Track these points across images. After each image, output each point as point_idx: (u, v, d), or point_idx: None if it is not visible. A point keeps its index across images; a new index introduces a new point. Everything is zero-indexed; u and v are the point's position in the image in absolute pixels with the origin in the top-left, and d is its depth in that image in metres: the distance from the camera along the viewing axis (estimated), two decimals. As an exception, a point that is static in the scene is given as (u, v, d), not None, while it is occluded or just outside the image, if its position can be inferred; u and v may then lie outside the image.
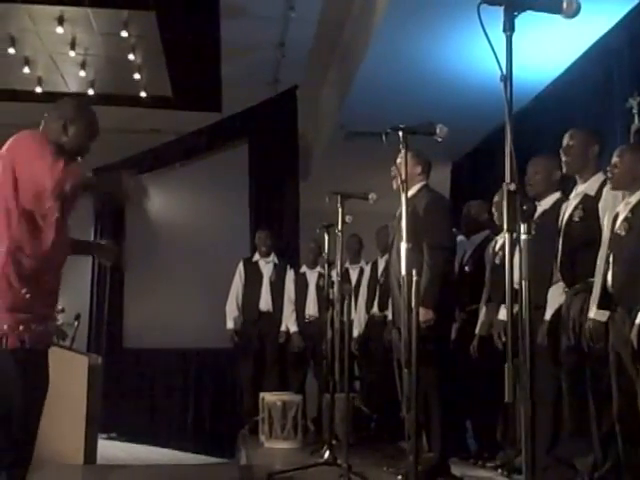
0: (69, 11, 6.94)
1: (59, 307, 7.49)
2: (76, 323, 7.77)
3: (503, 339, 4.16)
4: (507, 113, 2.11)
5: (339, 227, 4.49)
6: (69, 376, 5.00)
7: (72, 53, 7.62)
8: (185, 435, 8.31)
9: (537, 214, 4.09)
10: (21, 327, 2.54)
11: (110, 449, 6.19)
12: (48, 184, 2.52)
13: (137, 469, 5.45)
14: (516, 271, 2.12)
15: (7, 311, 2.54)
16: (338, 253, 4.59)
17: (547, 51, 5.71)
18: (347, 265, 6.81)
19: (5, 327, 2.52)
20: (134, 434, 7.60)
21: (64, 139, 2.80)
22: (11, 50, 7.46)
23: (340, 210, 4.43)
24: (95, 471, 5.22)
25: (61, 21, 7.02)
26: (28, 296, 2.58)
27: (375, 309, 6.40)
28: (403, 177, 3.29)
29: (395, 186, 4.32)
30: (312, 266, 7.16)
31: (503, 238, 4.64)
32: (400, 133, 3.27)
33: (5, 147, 2.71)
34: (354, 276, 6.94)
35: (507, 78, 2.14)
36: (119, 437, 7.45)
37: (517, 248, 2.15)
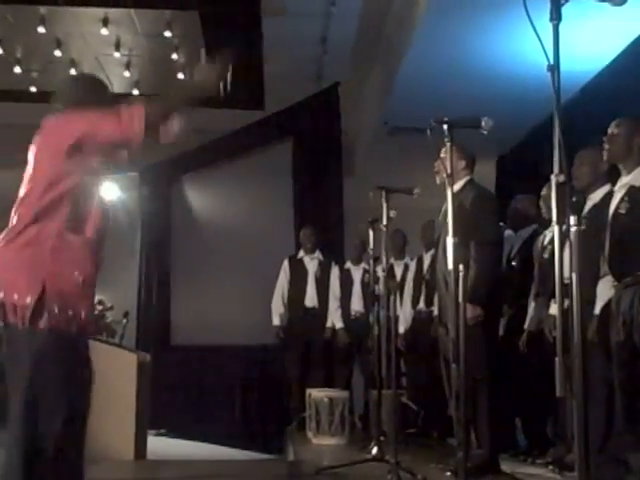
0: (113, 12, 7.03)
1: (108, 305, 7.60)
2: (125, 321, 7.88)
3: (554, 334, 4.10)
4: (555, 103, 2.08)
5: (384, 222, 4.46)
6: (119, 373, 5.06)
7: (117, 54, 7.73)
8: (233, 431, 8.36)
9: (587, 208, 4.03)
10: (70, 312, 2.50)
11: (159, 445, 6.24)
12: (116, 137, 2.50)
13: (186, 464, 5.50)
14: (566, 265, 2.08)
15: (57, 294, 2.49)
16: (383, 249, 4.57)
17: (595, 40, 5.61)
18: (392, 261, 6.78)
19: (55, 309, 2.47)
20: (183, 430, 7.67)
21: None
22: (57, 52, 7.59)
23: (385, 205, 4.40)
24: (145, 466, 5.28)
25: (105, 23, 7.12)
26: (81, 279, 2.55)
27: (422, 305, 6.36)
28: (448, 171, 3.25)
29: (438, 180, 4.29)
30: (357, 262, 7.15)
31: (552, 232, 4.58)
32: (445, 126, 3.24)
33: (44, 130, 2.62)
34: (399, 272, 6.91)
35: (554, 68, 2.10)
36: (168, 433, 7.52)
37: (567, 241, 2.11)
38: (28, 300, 2.45)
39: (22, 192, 2.63)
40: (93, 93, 2.76)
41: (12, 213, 2.63)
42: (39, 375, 2.45)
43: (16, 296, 2.46)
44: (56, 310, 2.48)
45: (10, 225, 2.60)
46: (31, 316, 2.45)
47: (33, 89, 8.40)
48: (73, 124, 2.58)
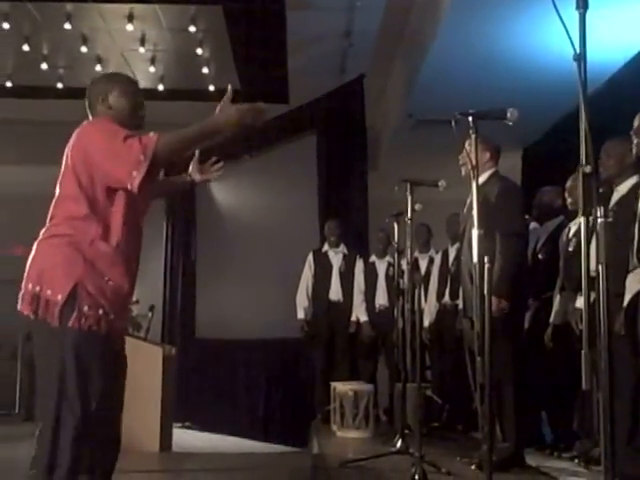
0: (138, 8, 7.07)
1: (134, 299, 7.67)
2: (150, 314, 7.93)
3: (580, 327, 4.06)
4: (581, 93, 2.05)
5: (408, 215, 4.44)
6: (145, 366, 5.10)
7: (142, 49, 7.78)
8: (258, 424, 8.40)
9: (614, 200, 3.98)
10: (100, 311, 2.53)
11: (184, 437, 6.30)
12: (123, 175, 2.49)
13: (211, 457, 5.54)
14: (592, 257, 2.06)
15: (88, 294, 2.53)
16: (408, 242, 4.55)
17: (622, 30, 5.53)
18: (416, 254, 6.77)
19: (85, 308, 2.51)
20: (208, 423, 7.71)
21: (116, 115, 2.69)
22: (83, 49, 7.64)
23: (409, 198, 4.38)
24: (170, 458, 5.33)
25: (131, 18, 7.16)
26: (112, 284, 2.58)
27: (447, 298, 6.35)
28: (473, 163, 3.22)
29: (463, 173, 4.26)
30: (381, 255, 7.14)
31: (577, 224, 4.54)
32: (470, 118, 3.21)
33: (72, 142, 2.65)
34: (423, 265, 6.90)
35: (581, 58, 2.07)
36: (193, 426, 7.57)
37: (593, 233, 2.09)
38: (59, 297, 2.50)
39: (57, 191, 2.65)
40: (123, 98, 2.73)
41: (50, 209, 2.66)
42: (67, 371, 2.47)
43: (49, 292, 2.51)
44: (86, 309, 2.52)
45: (48, 222, 2.64)
46: (62, 314, 2.49)
47: (60, 85, 8.47)
48: (88, 146, 2.58)
